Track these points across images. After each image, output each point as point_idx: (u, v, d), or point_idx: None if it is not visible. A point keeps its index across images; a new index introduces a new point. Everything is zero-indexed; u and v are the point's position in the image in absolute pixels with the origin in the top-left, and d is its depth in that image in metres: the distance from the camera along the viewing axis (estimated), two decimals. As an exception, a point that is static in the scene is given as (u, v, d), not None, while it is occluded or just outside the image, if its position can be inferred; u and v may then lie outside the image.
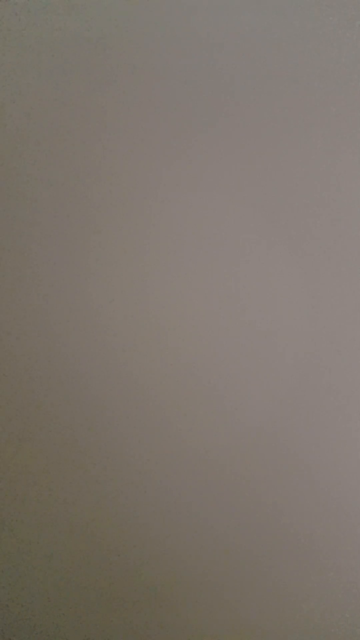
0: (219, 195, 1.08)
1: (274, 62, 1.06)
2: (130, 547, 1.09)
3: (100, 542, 1.10)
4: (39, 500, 1.10)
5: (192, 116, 1.07)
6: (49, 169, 1.10)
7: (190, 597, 1.08)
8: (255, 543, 1.08)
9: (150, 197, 1.09)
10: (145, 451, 1.09)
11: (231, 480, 1.07)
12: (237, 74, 1.07)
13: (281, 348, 1.07)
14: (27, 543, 1.10)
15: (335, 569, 1.06)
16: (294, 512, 1.07)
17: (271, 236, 1.07)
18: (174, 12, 1.07)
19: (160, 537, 1.09)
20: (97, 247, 1.09)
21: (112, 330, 1.09)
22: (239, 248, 1.07)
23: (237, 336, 1.07)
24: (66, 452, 1.10)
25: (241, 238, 1.07)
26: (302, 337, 1.06)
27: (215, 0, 1.07)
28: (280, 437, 1.07)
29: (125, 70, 1.08)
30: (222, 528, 1.08)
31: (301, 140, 1.06)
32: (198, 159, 1.08)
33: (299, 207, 1.06)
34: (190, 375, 1.08)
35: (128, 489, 1.09)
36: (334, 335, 1.06)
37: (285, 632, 1.07)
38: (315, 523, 1.07)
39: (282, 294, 1.07)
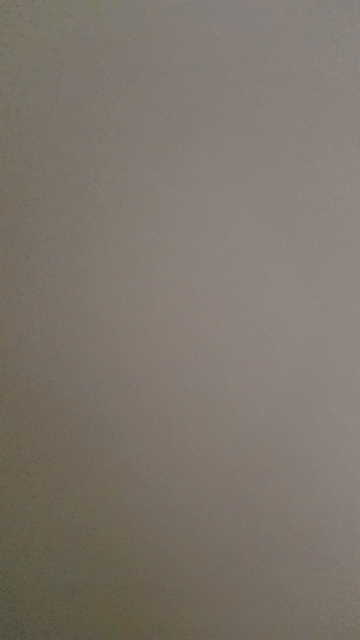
0: (218, 195, 1.08)
1: (274, 63, 1.06)
2: (131, 547, 1.09)
3: (100, 542, 1.10)
4: (38, 500, 1.10)
5: (192, 116, 1.07)
6: (49, 169, 1.10)
7: (190, 597, 1.08)
8: (256, 543, 1.08)
9: (150, 197, 1.09)
10: (145, 452, 1.09)
11: (231, 480, 1.07)
12: (237, 75, 1.07)
13: (281, 348, 1.07)
14: (27, 544, 1.10)
15: (337, 569, 1.06)
16: (295, 513, 1.07)
17: (271, 236, 1.07)
18: (174, 12, 1.08)
19: (161, 537, 1.09)
20: (97, 248, 1.09)
21: (112, 330, 1.09)
22: (239, 248, 1.07)
23: (237, 336, 1.07)
24: (66, 453, 1.10)
25: (241, 238, 1.07)
26: (302, 337, 1.06)
27: (214, 0, 1.07)
28: (280, 437, 1.07)
29: (125, 71, 1.08)
30: (223, 528, 1.08)
31: (301, 140, 1.06)
32: (198, 159, 1.08)
33: (299, 207, 1.07)
34: (190, 376, 1.08)
35: (128, 489, 1.09)
36: (334, 335, 1.06)
37: (285, 632, 1.07)
38: (316, 523, 1.07)
39: (281, 294, 1.07)
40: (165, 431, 1.08)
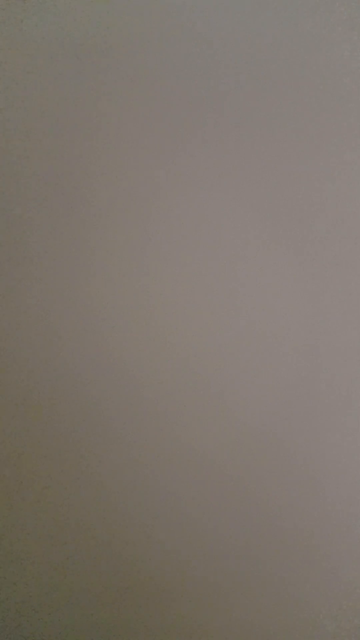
0: (219, 195, 1.08)
1: (274, 62, 1.06)
2: (130, 547, 1.09)
3: (99, 542, 1.09)
4: (38, 500, 1.10)
5: (192, 115, 1.07)
6: (49, 170, 1.10)
7: (190, 597, 1.08)
8: (255, 543, 1.07)
9: (150, 197, 1.09)
10: (145, 451, 1.09)
11: (231, 479, 1.07)
12: (237, 74, 1.07)
13: (281, 347, 1.06)
14: (27, 544, 1.10)
15: (336, 569, 1.06)
16: (294, 512, 1.07)
17: (271, 236, 1.07)
18: (174, 12, 1.07)
19: (160, 537, 1.09)
20: (97, 248, 1.09)
21: (112, 329, 1.09)
22: (239, 248, 1.07)
23: (237, 336, 1.07)
24: (65, 451, 1.10)
25: (241, 237, 1.07)
26: (302, 336, 1.06)
27: (214, 0, 1.07)
28: (280, 436, 1.07)
29: (125, 71, 1.08)
30: (222, 527, 1.08)
31: (301, 140, 1.06)
32: (198, 158, 1.08)
33: (299, 206, 1.06)
34: (190, 375, 1.08)
35: (127, 488, 1.09)
36: (334, 335, 1.06)
37: (285, 632, 1.07)
38: (316, 522, 1.06)
39: (281, 293, 1.07)
40: (165, 431, 1.08)
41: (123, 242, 1.09)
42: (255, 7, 1.07)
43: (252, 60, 1.06)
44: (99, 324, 1.09)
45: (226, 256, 1.07)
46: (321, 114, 1.06)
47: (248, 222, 1.07)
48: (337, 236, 1.06)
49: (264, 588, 1.07)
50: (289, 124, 1.06)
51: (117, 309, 1.09)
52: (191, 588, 1.08)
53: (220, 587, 1.08)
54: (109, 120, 1.09)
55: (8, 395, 1.10)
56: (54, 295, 1.10)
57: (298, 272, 1.06)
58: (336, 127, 1.06)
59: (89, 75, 1.09)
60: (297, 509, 1.07)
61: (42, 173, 1.10)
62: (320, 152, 1.06)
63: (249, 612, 1.08)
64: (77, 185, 1.09)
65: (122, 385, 1.09)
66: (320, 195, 1.06)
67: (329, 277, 1.06)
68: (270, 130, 1.06)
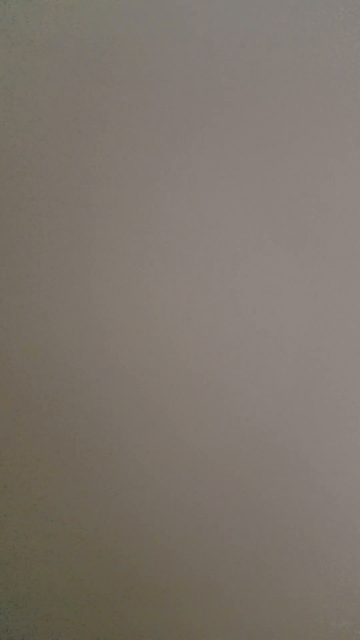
0: (219, 195, 1.08)
1: (274, 62, 1.06)
2: (130, 547, 1.09)
3: (100, 542, 1.10)
4: (38, 501, 1.10)
5: (192, 116, 1.07)
6: (50, 170, 1.10)
7: (190, 598, 1.09)
8: (255, 543, 1.08)
9: (151, 198, 1.08)
10: (145, 451, 1.09)
11: (231, 479, 1.07)
12: (237, 75, 1.07)
13: (281, 348, 1.06)
14: (27, 545, 1.10)
15: (336, 569, 1.07)
16: (294, 512, 1.07)
17: (271, 236, 1.07)
18: (174, 12, 1.07)
19: (160, 537, 1.09)
20: (97, 249, 1.09)
21: (112, 330, 1.09)
22: (239, 248, 1.07)
23: (237, 336, 1.07)
24: (66, 452, 1.10)
25: (241, 238, 1.07)
26: (302, 337, 1.06)
27: (215, 0, 1.07)
28: (280, 436, 1.07)
29: (126, 71, 1.08)
30: (222, 528, 1.08)
31: (301, 140, 1.06)
32: (198, 159, 1.08)
33: (299, 206, 1.06)
34: (190, 375, 1.08)
35: (128, 488, 1.09)
36: (334, 335, 1.06)
37: (285, 632, 1.07)
38: (316, 523, 1.07)
39: (282, 293, 1.07)
40: (166, 431, 1.08)
41: (123, 242, 1.09)
42: (255, 7, 1.06)
43: (252, 61, 1.06)
44: (99, 324, 1.09)
45: (226, 256, 1.07)
46: (321, 114, 1.06)
47: (248, 223, 1.07)
48: (337, 236, 1.06)
49: (264, 588, 1.07)
50: (289, 125, 1.06)
51: (117, 309, 1.09)
52: (191, 588, 1.09)
53: (220, 587, 1.08)
54: (110, 120, 1.09)
55: (8, 395, 1.10)
56: (54, 295, 1.10)
57: (298, 272, 1.06)
58: (336, 127, 1.05)
59: (89, 75, 1.09)
60: (297, 509, 1.07)
61: (43, 173, 1.10)
62: (320, 152, 1.06)
63: (249, 612, 1.08)
64: (77, 185, 1.09)
65: (122, 386, 1.09)
66: (320, 195, 1.06)
67: (329, 277, 1.06)
68: (271, 130, 1.06)
